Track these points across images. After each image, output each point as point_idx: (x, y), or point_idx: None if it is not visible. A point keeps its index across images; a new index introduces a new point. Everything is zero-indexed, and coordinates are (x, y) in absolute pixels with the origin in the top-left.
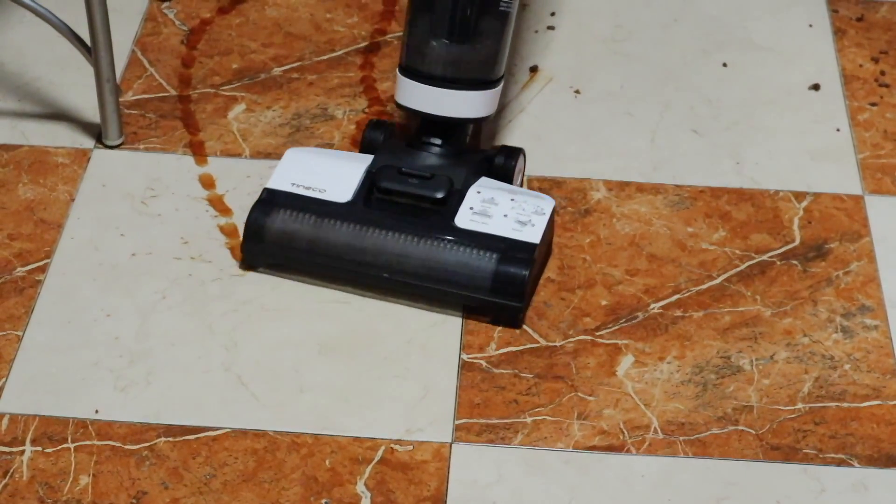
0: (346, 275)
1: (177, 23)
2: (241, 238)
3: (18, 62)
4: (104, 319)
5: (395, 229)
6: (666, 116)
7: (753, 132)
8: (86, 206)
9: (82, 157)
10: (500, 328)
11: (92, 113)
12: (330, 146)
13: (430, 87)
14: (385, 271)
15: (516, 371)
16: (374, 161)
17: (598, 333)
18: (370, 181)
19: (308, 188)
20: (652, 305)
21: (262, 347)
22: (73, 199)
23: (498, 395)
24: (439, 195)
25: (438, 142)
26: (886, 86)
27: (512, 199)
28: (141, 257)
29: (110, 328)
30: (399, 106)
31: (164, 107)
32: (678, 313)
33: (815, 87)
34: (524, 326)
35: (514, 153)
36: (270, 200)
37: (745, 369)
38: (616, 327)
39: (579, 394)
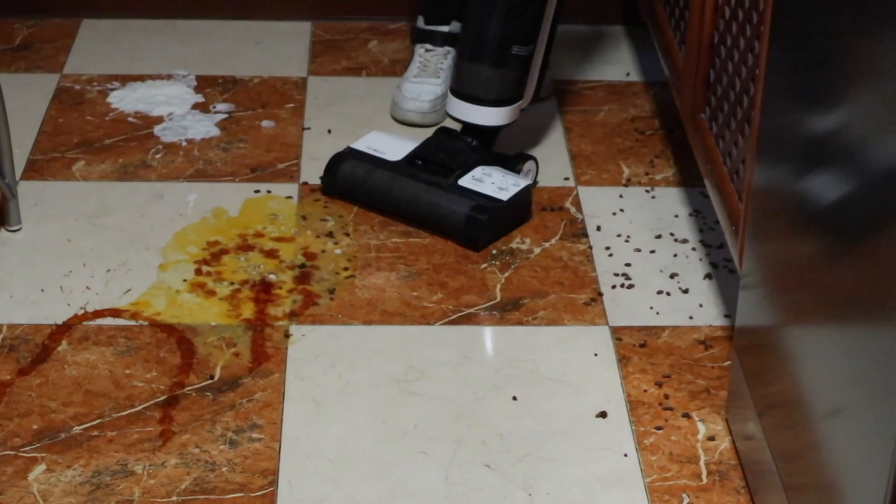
0: (380, 206)
1: None
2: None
3: None
4: None
5: (417, 180)
6: (459, 453)
7: (544, 463)
8: None
9: None
10: None
11: None
12: (130, 502)
13: (465, 102)
14: (402, 205)
15: None
16: (425, 141)
17: None
18: (417, 152)
19: (375, 150)
20: None
21: None
22: None
23: None
24: (454, 166)
25: (470, 139)
26: (671, 409)
27: (503, 176)
28: None
29: None
30: (448, 115)
31: None
32: None
33: (603, 414)
34: None
35: (525, 158)
36: (347, 154)
37: None
38: None
39: None
